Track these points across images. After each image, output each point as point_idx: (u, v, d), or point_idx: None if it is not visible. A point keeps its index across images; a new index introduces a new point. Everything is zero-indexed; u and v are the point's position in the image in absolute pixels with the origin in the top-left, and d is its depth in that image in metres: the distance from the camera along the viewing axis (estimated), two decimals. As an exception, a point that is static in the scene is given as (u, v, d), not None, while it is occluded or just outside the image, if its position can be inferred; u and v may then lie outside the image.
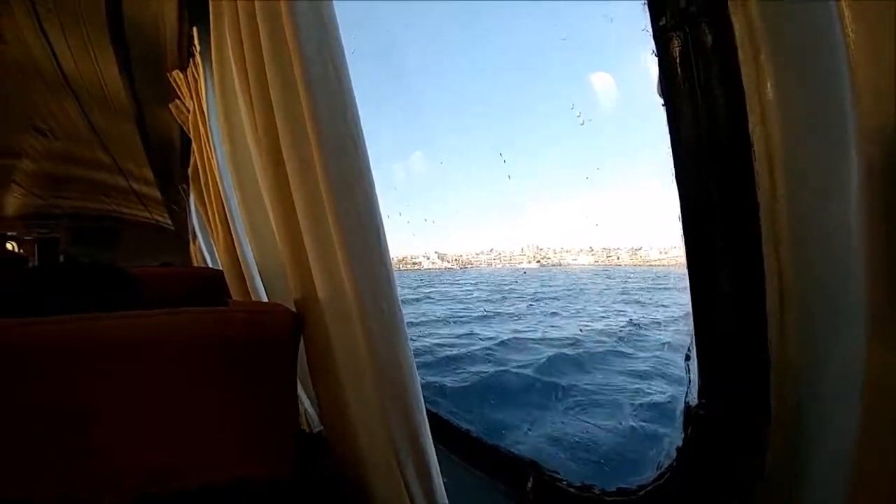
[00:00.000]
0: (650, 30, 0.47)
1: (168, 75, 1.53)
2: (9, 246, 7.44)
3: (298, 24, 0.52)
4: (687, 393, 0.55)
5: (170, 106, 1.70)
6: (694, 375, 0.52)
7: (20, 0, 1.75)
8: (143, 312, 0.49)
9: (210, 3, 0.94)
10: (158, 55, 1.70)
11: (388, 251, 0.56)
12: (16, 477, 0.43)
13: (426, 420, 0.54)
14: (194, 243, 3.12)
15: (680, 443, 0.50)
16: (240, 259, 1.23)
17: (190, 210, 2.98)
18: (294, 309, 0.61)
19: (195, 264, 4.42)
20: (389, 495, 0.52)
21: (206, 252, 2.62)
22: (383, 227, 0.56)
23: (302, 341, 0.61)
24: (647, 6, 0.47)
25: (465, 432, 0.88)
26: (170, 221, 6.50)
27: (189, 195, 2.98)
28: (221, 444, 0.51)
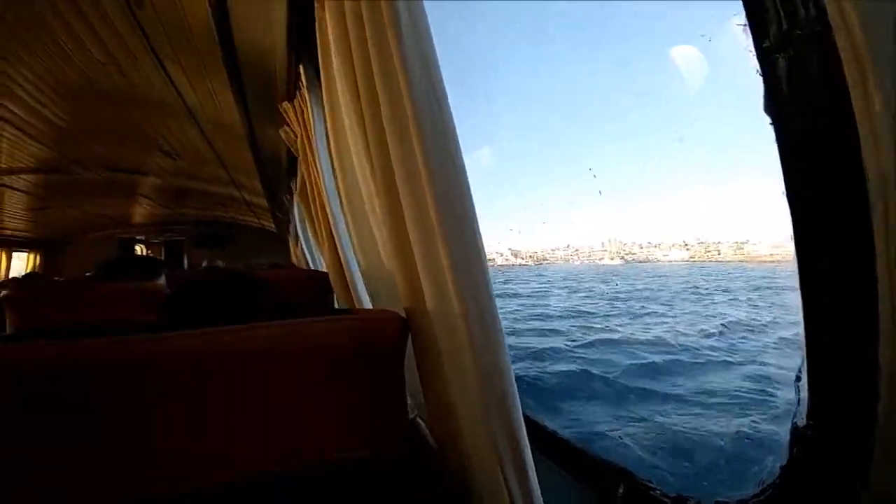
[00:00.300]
0: (753, 50, 0.47)
1: (279, 106, 1.78)
2: (137, 249, 8.98)
3: (406, 54, 0.59)
4: (795, 414, 0.53)
5: (280, 131, 1.97)
6: (804, 395, 0.51)
7: (144, 51, 2.16)
8: (282, 323, 0.57)
9: (318, 42, 1.09)
10: (269, 87, 1.97)
11: (486, 260, 0.61)
12: (161, 472, 0.49)
13: (523, 422, 0.59)
14: (296, 246, 3.51)
15: (784, 461, 0.49)
16: (343, 266, 1.39)
17: (293, 216, 3.36)
18: (403, 315, 0.69)
19: (295, 263, 4.96)
20: (491, 489, 0.59)
21: (308, 254, 2.96)
22: (481, 237, 0.61)
23: (409, 344, 0.70)
24: (748, 28, 0.47)
25: (552, 433, 0.92)
26: (273, 226, 7.36)
27: (293, 204, 3.37)
28: (346, 433, 0.60)
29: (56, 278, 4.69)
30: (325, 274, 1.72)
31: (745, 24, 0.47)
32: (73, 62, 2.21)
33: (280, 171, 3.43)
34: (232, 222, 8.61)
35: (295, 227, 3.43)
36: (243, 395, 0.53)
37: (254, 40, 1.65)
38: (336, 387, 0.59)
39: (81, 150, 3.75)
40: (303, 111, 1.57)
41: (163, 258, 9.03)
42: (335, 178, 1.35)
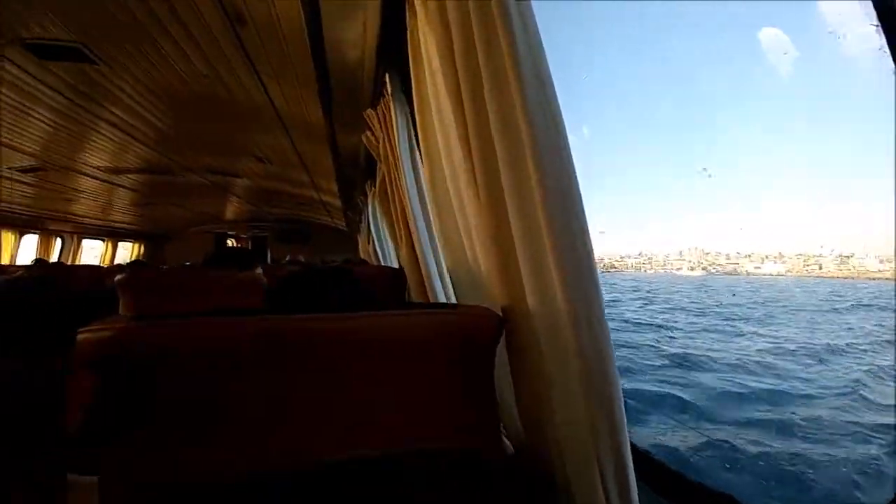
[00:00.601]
0: (889, 54, 0.42)
1: (363, 113, 1.88)
2: (229, 242, 10.07)
3: (517, 56, 0.59)
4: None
5: (361, 137, 2.08)
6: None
7: (243, 64, 2.39)
8: (387, 312, 0.59)
9: (408, 50, 1.13)
10: (353, 95, 2.10)
11: (594, 259, 0.59)
12: (287, 448, 0.54)
13: (628, 438, 0.57)
14: (368, 243, 3.70)
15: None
16: (420, 263, 1.44)
17: (366, 215, 3.54)
18: (499, 312, 0.69)
19: (364, 258, 5.24)
20: (586, 493, 0.57)
21: (379, 250, 3.11)
22: (589, 236, 0.60)
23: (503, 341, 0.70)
24: (881, 31, 0.42)
25: (645, 453, 0.86)
26: (344, 224, 7.84)
27: (367, 204, 3.56)
28: (440, 423, 0.61)
29: (161, 266, 5.40)
30: (399, 270, 1.78)
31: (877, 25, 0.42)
32: (177, 73, 2.50)
33: (356, 174, 3.63)
34: (308, 221, 9.34)
35: (368, 225, 3.61)
36: (351, 378, 0.56)
37: (343, 51, 1.76)
38: (434, 378, 0.61)
39: (184, 153, 4.26)
40: (385, 116, 1.64)
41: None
42: (421, 178, 1.40)
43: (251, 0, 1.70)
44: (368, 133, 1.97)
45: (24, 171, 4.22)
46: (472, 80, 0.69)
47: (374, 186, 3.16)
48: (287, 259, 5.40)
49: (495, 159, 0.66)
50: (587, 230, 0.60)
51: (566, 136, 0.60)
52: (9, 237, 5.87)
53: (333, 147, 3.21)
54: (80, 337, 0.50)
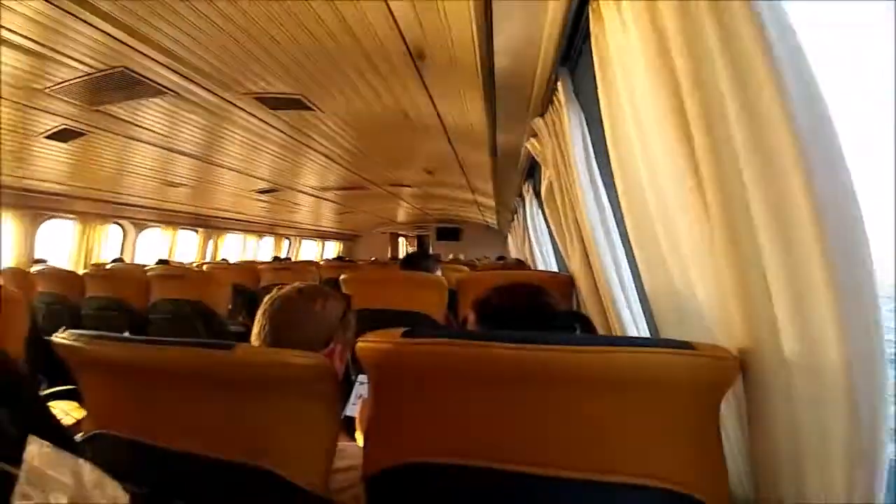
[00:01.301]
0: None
1: (530, 122, 1.92)
2: (400, 241, 11.59)
3: (773, 50, 0.53)
4: None
5: (525, 143, 2.12)
6: None
7: (418, 88, 2.65)
8: (619, 349, 0.56)
9: (593, 55, 1.10)
10: (517, 101, 2.15)
11: (876, 288, 0.49)
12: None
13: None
14: (524, 243, 3.74)
15: None
16: (596, 277, 1.39)
17: (523, 217, 3.58)
18: (734, 351, 0.61)
19: (513, 256, 5.32)
20: None
21: (538, 253, 3.12)
22: (871, 258, 0.50)
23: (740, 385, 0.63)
24: None
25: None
26: (495, 222, 8.13)
27: (523, 206, 3.61)
28: (659, 462, 0.58)
29: (356, 260, 6.56)
30: (567, 277, 1.75)
31: None
32: (367, 105, 2.96)
33: (512, 175, 3.71)
34: (461, 219, 10.11)
35: (524, 225, 3.65)
36: (571, 406, 0.58)
37: (512, 59, 1.80)
38: (656, 415, 0.59)
39: (369, 170, 5.07)
40: (555, 124, 1.63)
41: (416, 249, 11.52)
42: (599, 187, 1.35)
43: (432, 38, 1.92)
44: (533, 140, 1.99)
45: (261, 192, 5.67)
46: (701, 89, 0.63)
47: (533, 189, 3.18)
48: (450, 258, 5.88)
49: (736, 172, 0.59)
50: (869, 251, 0.50)
51: (839, 142, 0.51)
52: (252, 239, 8.04)
53: (493, 150, 3.34)
54: (360, 345, 0.66)
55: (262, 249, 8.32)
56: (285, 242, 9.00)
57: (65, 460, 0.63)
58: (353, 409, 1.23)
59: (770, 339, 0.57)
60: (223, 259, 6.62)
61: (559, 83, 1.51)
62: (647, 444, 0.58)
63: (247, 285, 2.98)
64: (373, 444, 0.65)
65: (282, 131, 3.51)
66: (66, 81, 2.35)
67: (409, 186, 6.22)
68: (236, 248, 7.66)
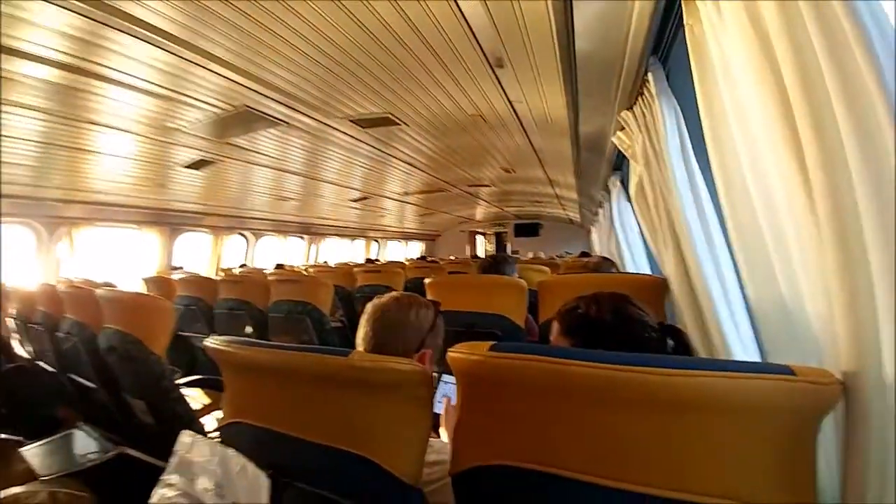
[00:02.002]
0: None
1: (617, 116, 1.82)
2: (478, 239, 11.67)
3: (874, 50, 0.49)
4: None
5: (612, 138, 2.02)
6: None
7: (496, 90, 2.65)
8: (718, 374, 0.53)
9: (688, 47, 1.03)
10: (603, 93, 2.05)
11: None
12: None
13: None
14: (609, 238, 3.54)
15: None
16: (694, 282, 1.28)
17: (610, 212, 3.39)
18: (839, 376, 0.56)
19: (597, 252, 5.03)
20: None
21: (626, 252, 2.93)
22: None
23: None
24: None
25: None
26: (578, 216, 7.77)
27: (610, 200, 3.41)
28: (752, 487, 0.54)
29: (436, 259, 6.80)
30: (660, 280, 1.63)
31: None
32: (447, 113, 3.07)
33: (597, 168, 3.53)
34: (539, 214, 9.85)
35: (610, 221, 3.45)
36: (660, 426, 0.57)
37: (598, 51, 1.73)
38: (750, 442, 0.55)
39: (448, 172, 5.22)
40: (644, 116, 1.54)
41: (494, 246, 11.55)
42: (698, 186, 1.25)
43: (512, 47, 1.93)
44: (621, 134, 1.89)
45: (353, 200, 6.18)
46: (809, 96, 0.58)
47: (621, 183, 2.99)
48: (529, 256, 5.79)
49: (847, 182, 0.54)
50: None
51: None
52: (347, 242, 8.83)
53: (575, 142, 3.22)
54: (451, 354, 0.72)
55: (355, 251, 9.10)
56: (374, 244, 9.71)
57: (214, 449, 0.79)
58: (439, 406, 1.31)
59: (875, 362, 0.52)
60: (324, 261, 7.36)
61: (649, 74, 1.42)
62: (735, 465, 0.55)
63: (345, 286, 3.29)
64: (461, 444, 0.71)
65: (371, 145, 3.81)
66: (199, 121, 2.85)
67: (486, 186, 6.26)
68: (334, 250, 8.50)
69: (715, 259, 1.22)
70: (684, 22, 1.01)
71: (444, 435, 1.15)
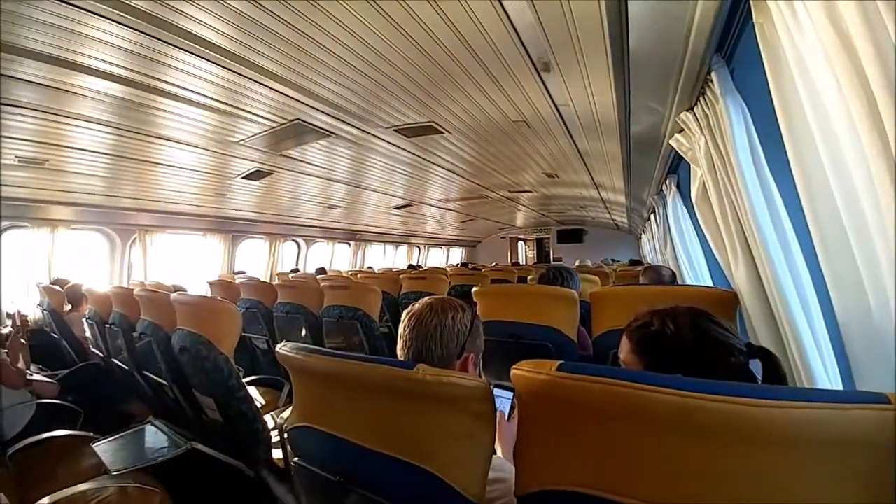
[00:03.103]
0: None
1: (676, 118, 1.73)
2: (519, 245, 11.48)
3: None
4: None
5: (670, 140, 1.92)
6: None
7: (540, 94, 2.59)
8: (810, 405, 0.48)
9: (759, 47, 0.96)
10: (658, 91, 1.95)
11: None
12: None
13: None
14: (667, 248, 3.35)
15: None
16: (770, 295, 1.18)
17: (667, 217, 3.21)
18: None
19: (648, 261, 4.77)
20: None
21: (684, 261, 2.76)
22: None
23: None
24: None
25: None
26: (625, 221, 7.44)
27: (664, 204, 3.24)
28: None
29: (478, 266, 6.77)
30: (730, 294, 1.52)
31: None
32: (488, 118, 3.04)
33: (649, 171, 3.37)
34: (583, 220, 9.52)
35: (665, 226, 3.28)
36: (735, 462, 0.53)
37: (656, 53, 1.64)
38: (840, 475, 0.50)
39: (488, 178, 5.19)
40: (708, 118, 1.45)
41: (535, 252, 11.33)
42: (773, 192, 1.16)
43: (560, 52, 1.89)
44: (679, 136, 1.79)
45: (396, 207, 6.31)
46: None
47: (677, 187, 2.83)
48: (576, 264, 5.62)
49: None
50: None
51: None
52: (391, 248, 9.03)
53: (625, 143, 3.09)
54: (515, 372, 0.71)
55: (398, 257, 9.27)
56: (415, 250, 9.85)
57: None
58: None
59: None
60: (369, 266, 7.57)
61: (713, 73, 1.34)
62: (824, 499, 0.50)
63: (391, 292, 3.36)
64: (525, 466, 0.69)
65: (413, 153, 3.88)
66: (255, 135, 3.04)
67: (528, 192, 6.16)
68: (379, 256, 8.72)
69: (793, 271, 1.12)
70: (753, 21, 0.95)
71: (499, 450, 1.13)
